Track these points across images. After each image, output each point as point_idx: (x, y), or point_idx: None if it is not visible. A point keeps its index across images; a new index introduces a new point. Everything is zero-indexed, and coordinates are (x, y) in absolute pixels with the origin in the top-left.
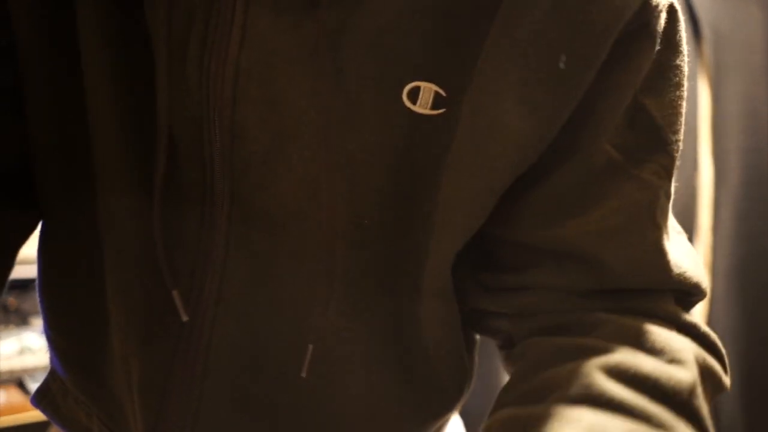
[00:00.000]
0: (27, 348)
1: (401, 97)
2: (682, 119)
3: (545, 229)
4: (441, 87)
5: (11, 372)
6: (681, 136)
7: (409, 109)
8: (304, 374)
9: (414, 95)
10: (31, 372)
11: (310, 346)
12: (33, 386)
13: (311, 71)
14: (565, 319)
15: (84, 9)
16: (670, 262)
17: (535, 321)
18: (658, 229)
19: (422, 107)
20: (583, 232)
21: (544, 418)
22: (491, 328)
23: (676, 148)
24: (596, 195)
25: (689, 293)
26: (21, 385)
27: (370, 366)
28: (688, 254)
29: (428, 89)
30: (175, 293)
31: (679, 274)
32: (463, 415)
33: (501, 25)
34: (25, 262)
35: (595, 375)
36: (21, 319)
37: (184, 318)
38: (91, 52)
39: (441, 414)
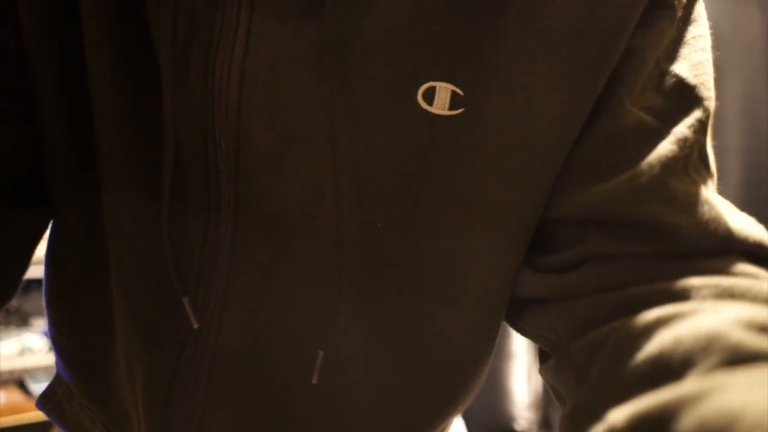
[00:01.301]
0: (27, 348)
1: (416, 99)
2: (712, 80)
3: (578, 197)
4: (458, 86)
5: (12, 372)
6: (713, 95)
7: (425, 110)
8: (315, 381)
9: (430, 96)
10: (32, 372)
11: (321, 352)
12: (33, 386)
13: (316, 74)
14: (634, 293)
15: (88, 16)
16: (722, 215)
17: (591, 306)
18: (694, 183)
19: (439, 108)
20: (618, 194)
21: (705, 396)
22: (538, 326)
23: (711, 104)
24: (628, 157)
25: (762, 256)
26: (21, 386)
27: (379, 368)
28: (746, 218)
29: (445, 89)
30: (185, 300)
31: (739, 229)
32: (465, 417)
33: (520, 18)
34: None
35: (731, 331)
36: (21, 320)
37: (195, 325)
38: (95, 59)
39: (447, 415)
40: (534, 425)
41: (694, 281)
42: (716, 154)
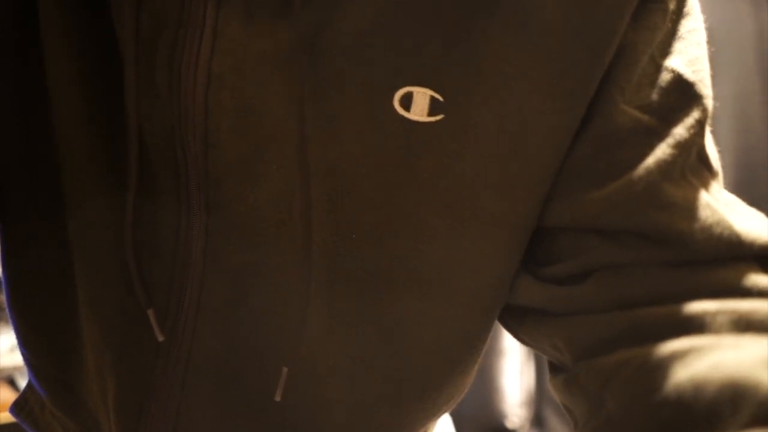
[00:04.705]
0: None
1: (392, 104)
2: (709, 77)
3: (575, 205)
4: (437, 92)
5: (2, 370)
6: (711, 93)
7: (402, 116)
8: (278, 398)
9: (407, 101)
10: (23, 370)
11: (285, 369)
12: (24, 384)
13: (287, 77)
14: (645, 316)
15: (47, 15)
16: (726, 218)
17: (598, 325)
18: (692, 187)
19: (418, 114)
20: (616, 202)
21: None
22: (539, 339)
23: (709, 102)
24: (624, 159)
25: None
26: (12, 383)
27: (356, 384)
28: (753, 215)
29: (423, 94)
30: (150, 313)
31: (746, 232)
32: (456, 415)
33: (507, 20)
34: None
35: (758, 379)
36: None
37: (160, 338)
38: (56, 61)
39: (428, 421)
40: (526, 422)
41: (708, 305)
42: None
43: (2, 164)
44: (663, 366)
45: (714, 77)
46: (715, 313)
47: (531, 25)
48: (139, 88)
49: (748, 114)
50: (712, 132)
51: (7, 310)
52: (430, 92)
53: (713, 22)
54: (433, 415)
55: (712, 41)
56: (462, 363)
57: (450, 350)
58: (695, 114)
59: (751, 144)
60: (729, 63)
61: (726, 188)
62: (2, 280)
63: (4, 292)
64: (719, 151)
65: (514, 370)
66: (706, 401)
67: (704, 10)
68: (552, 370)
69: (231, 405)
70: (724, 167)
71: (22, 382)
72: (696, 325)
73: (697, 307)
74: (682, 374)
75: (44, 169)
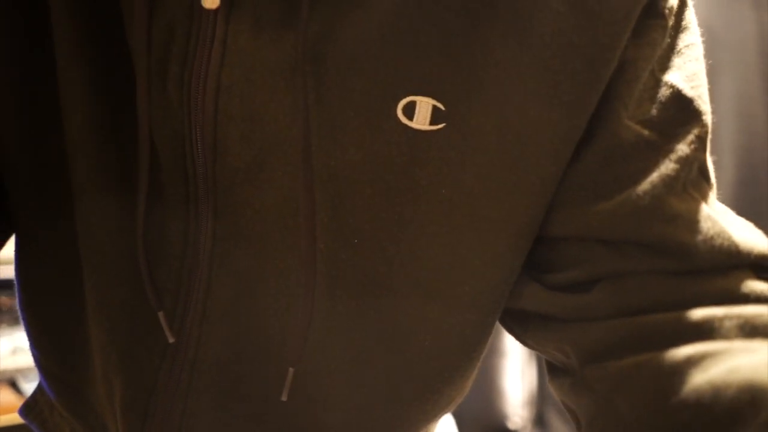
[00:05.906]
0: (20, 348)
1: (395, 113)
2: (707, 92)
3: (579, 216)
4: (439, 101)
5: (4, 372)
6: (709, 108)
7: (405, 125)
8: (284, 398)
9: (410, 110)
10: (24, 372)
11: (291, 370)
12: (26, 386)
13: (292, 86)
14: (653, 322)
15: (61, 25)
16: (725, 229)
17: (606, 330)
18: (694, 200)
19: (420, 123)
20: (621, 215)
21: None
22: (544, 344)
23: (709, 118)
24: (628, 173)
25: (766, 266)
26: (14, 385)
27: (358, 386)
28: (746, 225)
29: (425, 104)
30: (161, 314)
31: (744, 241)
32: (458, 415)
33: (507, 32)
34: None
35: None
36: (14, 319)
37: (171, 340)
38: (69, 69)
39: (429, 422)
40: (528, 423)
41: (714, 311)
42: (711, 152)
43: (14, 168)
44: (679, 370)
45: (715, 78)
46: (722, 319)
47: (530, 35)
48: (150, 99)
49: (749, 114)
50: (714, 131)
51: (18, 312)
52: (432, 101)
53: (715, 23)
54: (434, 416)
55: (713, 42)
56: (461, 367)
57: (450, 354)
58: (695, 129)
59: (752, 144)
60: (730, 64)
61: (726, 188)
62: (15, 281)
63: (15, 294)
64: (720, 152)
65: (516, 370)
66: (726, 403)
67: (705, 12)
68: (551, 371)
69: (236, 406)
70: (725, 166)
71: (24, 384)
72: (705, 331)
73: (703, 313)
74: (699, 378)
75: (54, 174)
